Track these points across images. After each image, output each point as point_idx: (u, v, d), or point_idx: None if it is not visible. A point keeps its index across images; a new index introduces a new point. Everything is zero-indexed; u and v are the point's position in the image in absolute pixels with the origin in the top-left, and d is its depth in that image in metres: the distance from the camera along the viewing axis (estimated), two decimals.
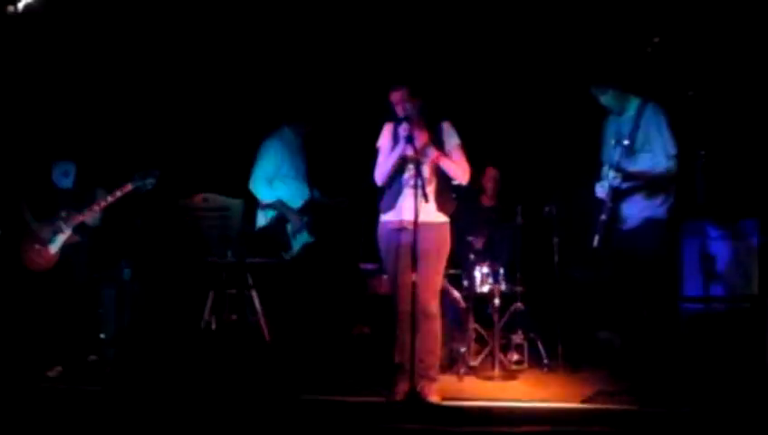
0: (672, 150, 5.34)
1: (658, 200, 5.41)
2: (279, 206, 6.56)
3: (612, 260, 5.55)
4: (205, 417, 4.41)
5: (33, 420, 4.66)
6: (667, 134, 5.37)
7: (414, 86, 5.29)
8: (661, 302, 5.39)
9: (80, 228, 6.01)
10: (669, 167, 5.34)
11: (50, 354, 6.00)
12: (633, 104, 5.50)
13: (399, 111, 5.26)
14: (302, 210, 6.63)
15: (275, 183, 6.59)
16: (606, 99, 5.53)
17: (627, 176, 5.34)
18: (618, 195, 5.41)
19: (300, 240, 6.58)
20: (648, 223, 5.39)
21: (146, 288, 6.96)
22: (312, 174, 6.84)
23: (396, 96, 5.28)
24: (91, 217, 6.02)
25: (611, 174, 5.40)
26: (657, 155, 5.36)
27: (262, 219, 6.63)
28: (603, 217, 5.47)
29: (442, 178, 5.32)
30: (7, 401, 5.00)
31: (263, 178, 6.57)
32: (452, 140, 5.34)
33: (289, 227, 6.56)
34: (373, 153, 5.46)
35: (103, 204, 5.95)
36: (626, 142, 5.33)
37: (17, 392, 5.30)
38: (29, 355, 5.87)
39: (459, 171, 5.31)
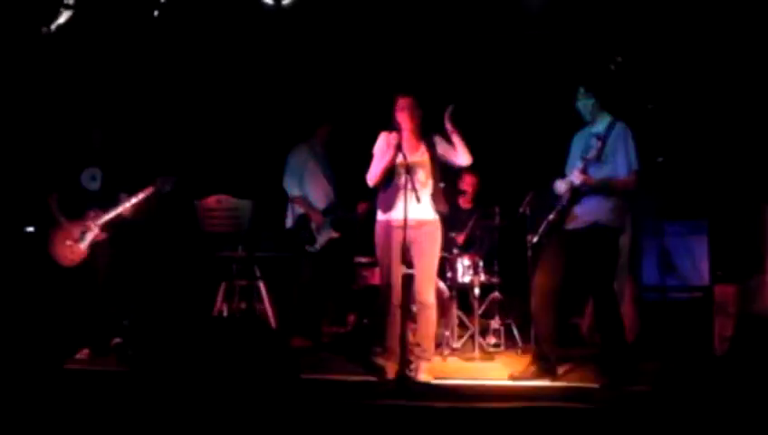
0: (634, 166, 5.13)
1: (608, 207, 5.18)
2: (303, 202, 6.72)
3: (553, 256, 5.34)
4: (213, 394, 4.22)
5: (62, 399, 4.67)
6: (631, 151, 5.13)
7: (419, 98, 5.36)
8: (602, 296, 5.26)
9: (106, 227, 6.03)
10: (628, 180, 5.13)
11: (77, 339, 6.03)
12: (604, 121, 5.27)
13: (403, 116, 5.32)
14: (327, 210, 6.78)
15: (303, 181, 6.75)
16: (584, 104, 5.29)
17: (590, 183, 5.10)
18: (575, 195, 5.19)
19: (325, 235, 6.73)
20: (594, 228, 5.17)
21: (165, 280, 7.02)
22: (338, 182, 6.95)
23: (404, 102, 5.34)
24: (116, 217, 6.01)
25: (576, 173, 5.11)
26: (618, 167, 5.13)
27: (290, 217, 6.79)
28: (551, 216, 5.31)
29: (436, 180, 5.43)
30: (38, 382, 4.93)
31: (292, 175, 6.74)
32: (443, 143, 5.44)
33: (312, 224, 6.70)
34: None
35: (127, 205, 5.99)
36: (591, 154, 5.08)
37: (47, 373, 5.19)
38: (59, 340, 5.81)
39: (462, 154, 5.41)
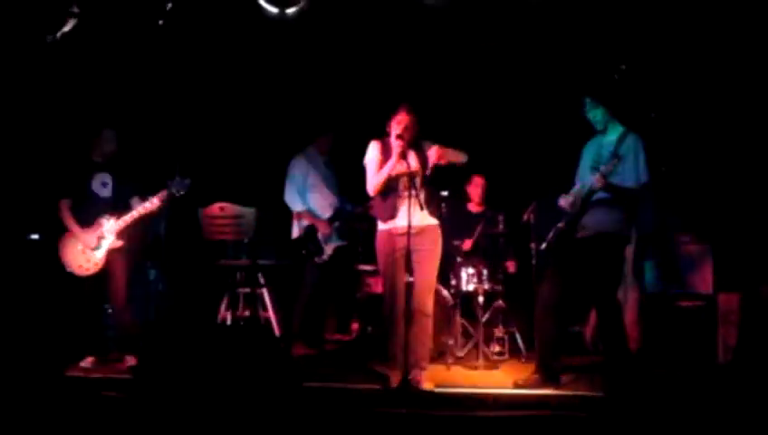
0: (643, 179, 5.08)
1: (616, 217, 5.17)
2: (308, 215, 6.71)
3: (561, 264, 5.35)
4: (217, 401, 4.29)
5: (67, 406, 4.74)
6: (642, 164, 5.08)
7: (418, 114, 5.34)
8: (605, 305, 5.24)
9: (121, 234, 5.88)
10: (635, 191, 5.11)
11: (82, 346, 5.94)
12: (616, 130, 5.22)
13: (400, 129, 5.28)
14: (332, 218, 6.75)
15: (305, 194, 6.73)
16: (594, 114, 5.25)
17: (607, 185, 5.01)
18: (586, 204, 5.16)
19: (332, 245, 6.71)
20: (602, 237, 5.16)
21: (169, 287, 6.94)
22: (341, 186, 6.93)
23: (404, 118, 5.30)
24: (130, 223, 5.87)
25: (598, 176, 5.00)
26: (626, 179, 5.07)
27: (296, 228, 6.77)
28: (560, 224, 5.32)
29: (429, 187, 5.39)
30: (44, 389, 5.05)
31: (292, 191, 6.73)
32: (435, 148, 5.36)
33: (319, 235, 6.69)
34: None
35: (143, 211, 5.85)
36: (607, 167, 4.98)
37: (53, 381, 5.34)
38: (64, 348, 5.87)
39: (459, 155, 5.36)
